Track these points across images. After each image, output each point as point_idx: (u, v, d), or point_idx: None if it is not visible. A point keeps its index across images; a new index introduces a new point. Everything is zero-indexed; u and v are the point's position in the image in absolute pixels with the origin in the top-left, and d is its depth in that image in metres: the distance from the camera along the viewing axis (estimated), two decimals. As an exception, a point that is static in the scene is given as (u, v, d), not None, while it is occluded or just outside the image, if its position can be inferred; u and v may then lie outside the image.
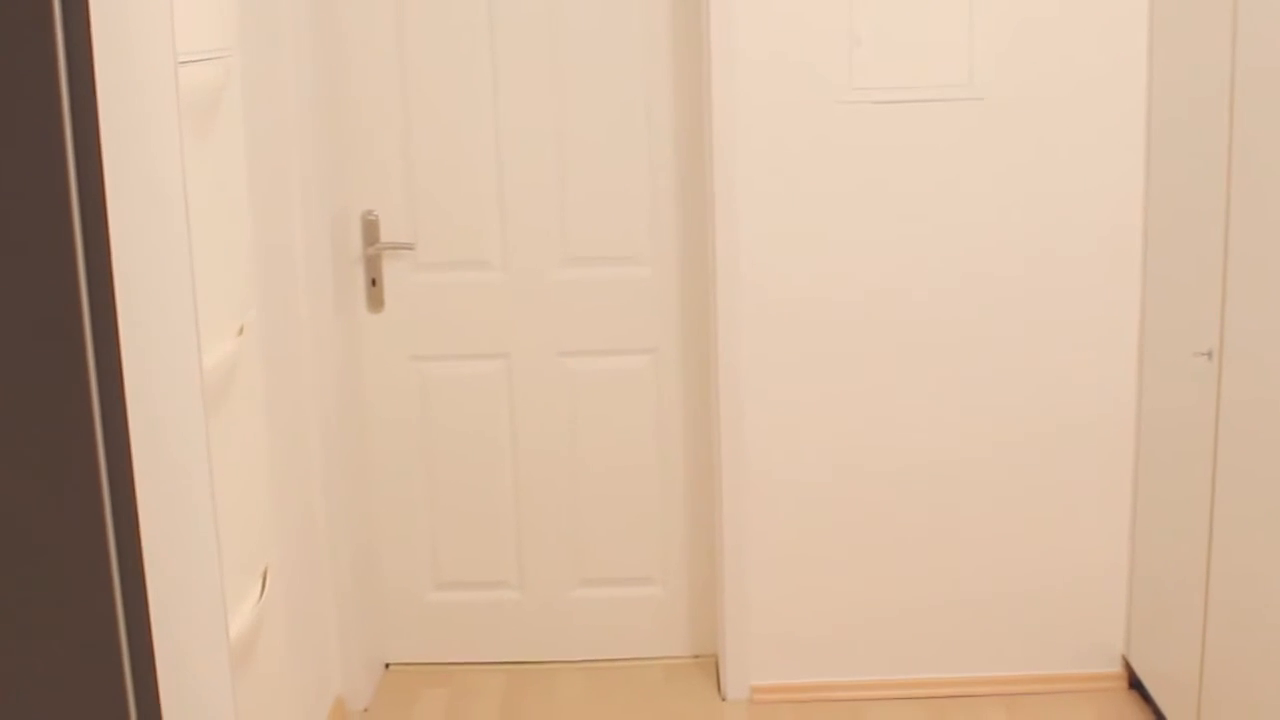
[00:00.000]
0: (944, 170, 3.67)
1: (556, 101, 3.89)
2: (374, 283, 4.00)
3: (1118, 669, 3.89)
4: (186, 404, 1.39)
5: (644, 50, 3.86)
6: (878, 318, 3.75)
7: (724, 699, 3.94)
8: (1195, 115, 3.32)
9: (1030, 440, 3.80)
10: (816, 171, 3.68)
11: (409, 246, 3.97)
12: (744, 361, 3.78)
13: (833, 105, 3.65)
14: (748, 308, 3.75)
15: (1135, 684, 3.85)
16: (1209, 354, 3.22)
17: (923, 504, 3.84)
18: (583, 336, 4.03)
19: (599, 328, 4.02)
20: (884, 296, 3.74)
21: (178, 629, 1.34)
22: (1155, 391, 3.65)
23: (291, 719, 3.41)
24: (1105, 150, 3.65)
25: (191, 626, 1.43)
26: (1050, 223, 3.69)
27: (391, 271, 4.00)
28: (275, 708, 2.79)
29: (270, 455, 3.24)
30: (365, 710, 3.96)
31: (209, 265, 2.43)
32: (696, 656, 4.15)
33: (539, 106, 3.90)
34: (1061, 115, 3.63)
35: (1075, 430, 3.79)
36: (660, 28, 3.84)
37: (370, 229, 3.97)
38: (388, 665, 4.21)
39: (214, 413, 2.46)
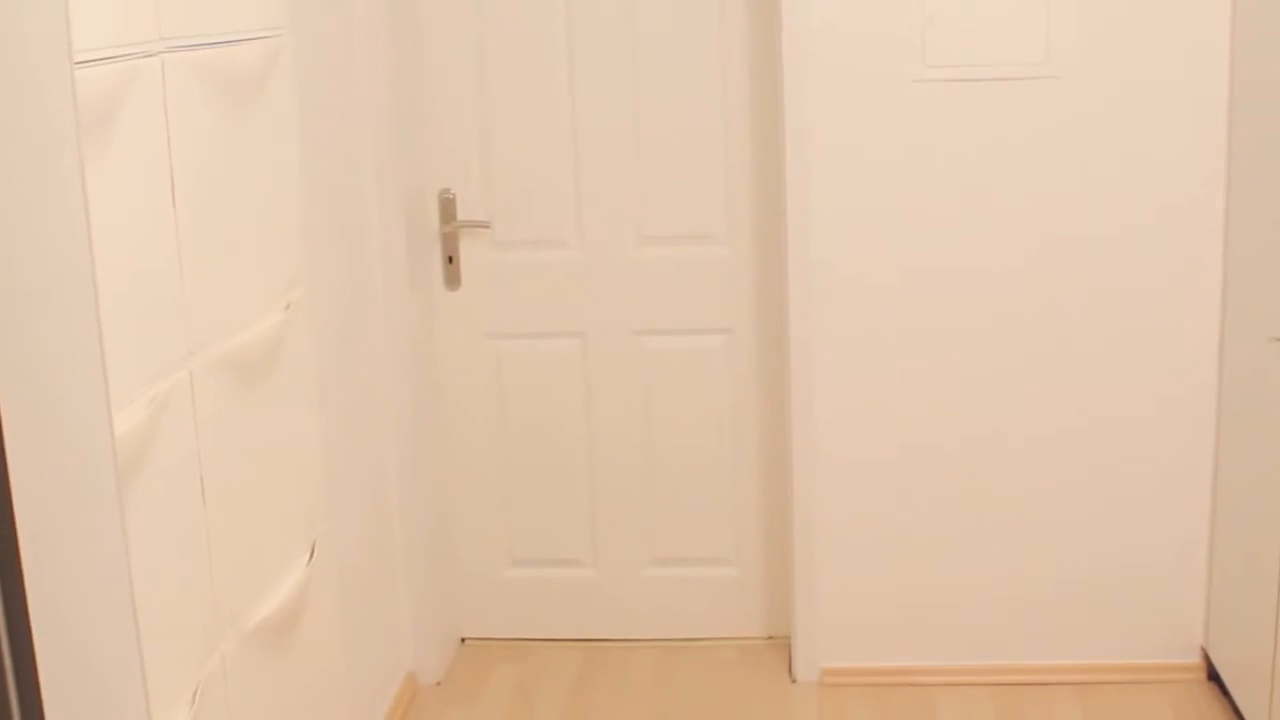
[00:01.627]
0: (1019, 150, 3.60)
1: (632, 80, 3.89)
2: (451, 260, 4.03)
3: (1196, 659, 3.81)
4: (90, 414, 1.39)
5: (720, 28, 3.83)
6: (952, 298, 3.70)
7: (794, 681, 3.92)
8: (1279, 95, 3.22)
9: (1107, 423, 3.73)
10: (890, 150, 3.64)
11: (485, 225, 4.00)
12: (815, 342, 3.75)
13: (906, 83, 3.60)
14: (819, 288, 3.72)
15: (1214, 675, 3.76)
16: (1283, 339, 3.14)
17: (997, 487, 3.78)
18: (658, 316, 4.02)
19: (674, 307, 4.01)
20: (958, 277, 3.69)
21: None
22: (1234, 375, 3.56)
23: (353, 690, 3.46)
24: (1185, 130, 3.56)
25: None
26: (1127, 203, 3.61)
27: (468, 249, 4.03)
28: (327, 678, 2.83)
29: (322, 430, 3.27)
30: (438, 684, 4.00)
31: (248, 242, 2.47)
32: (770, 638, 4.14)
33: (615, 85, 3.89)
34: (1140, 93, 3.55)
35: (1154, 414, 3.71)
36: (736, 5, 3.81)
37: (447, 207, 4.00)
38: (464, 640, 4.25)
39: (257, 386, 2.50)
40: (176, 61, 2.18)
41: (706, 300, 3.99)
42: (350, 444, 3.56)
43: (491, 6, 3.88)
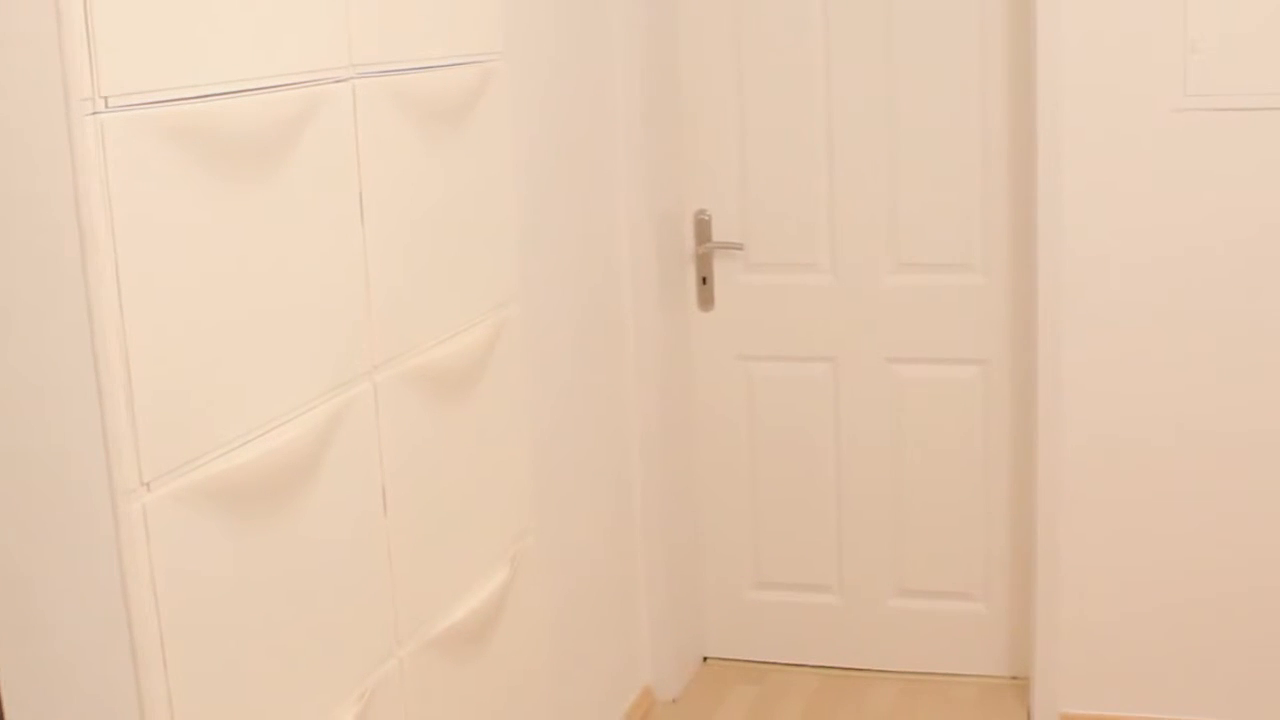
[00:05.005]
0: (1286, 183, 3.43)
1: (889, 105, 3.85)
2: (705, 281, 4.06)
3: None
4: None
5: (979, 55, 3.76)
6: (1211, 334, 3.54)
7: (1032, 724, 3.81)
8: None
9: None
10: (1148, 181, 3.51)
11: (739, 246, 4.02)
12: (1066, 376, 3.64)
13: (1166, 113, 3.46)
14: (1072, 321, 3.61)
15: None
16: None
17: (1258, 527, 3.59)
18: (911, 344, 3.97)
19: (928, 335, 3.95)
20: (1218, 313, 3.52)
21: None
22: None
23: (578, 699, 3.52)
24: None
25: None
26: (1403, 243, 3.39)
27: (722, 271, 4.06)
28: (528, 687, 2.89)
29: (551, 445, 3.35)
30: (674, 700, 4.03)
31: (450, 262, 2.55)
32: (1014, 678, 4.03)
33: (871, 110, 3.86)
34: None
35: None
36: (995, 32, 3.73)
37: (702, 228, 4.03)
38: (705, 659, 4.27)
39: (455, 401, 2.58)
40: (370, 86, 2.27)
41: (960, 330, 3.92)
42: (590, 460, 3.62)
43: (750, 31, 3.90)
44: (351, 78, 2.23)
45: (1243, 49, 3.37)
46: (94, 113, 1.70)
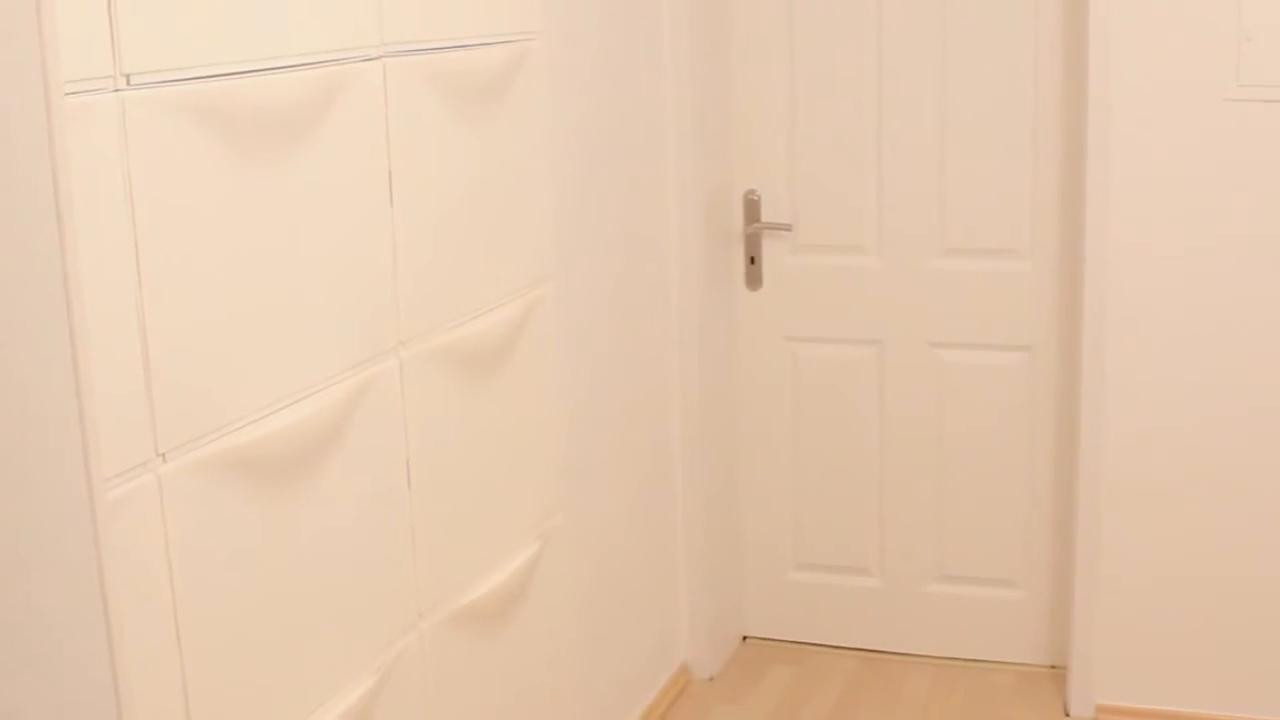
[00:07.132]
0: (1339, 176, 3.38)
1: (941, 90, 3.83)
2: (753, 261, 4.06)
3: None
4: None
5: (1031, 42, 3.73)
6: (1259, 325, 3.50)
7: (1067, 715, 3.79)
8: None
9: None
10: (1198, 171, 3.47)
11: (787, 227, 4.01)
12: (1111, 366, 3.61)
13: (1218, 102, 3.42)
14: (1117, 310, 3.58)
15: None
16: None
17: (1301, 534, 3.56)
18: (957, 329, 3.95)
19: (974, 321, 3.93)
20: (1269, 303, 3.48)
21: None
22: None
23: (611, 675, 3.54)
24: None
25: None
26: None
27: (770, 251, 4.05)
28: (558, 662, 2.91)
29: (587, 422, 3.36)
30: (710, 679, 4.05)
31: (482, 240, 2.56)
32: (1053, 667, 4.01)
33: (923, 94, 3.84)
34: None
35: None
36: (1048, 17, 3.70)
37: (751, 208, 4.03)
38: (745, 638, 4.28)
39: (486, 379, 2.60)
40: (401, 65, 2.29)
41: (1007, 316, 3.90)
42: (631, 438, 3.63)
43: (802, 12, 3.89)
44: (382, 56, 2.24)
45: (1298, 39, 3.33)
46: (116, 90, 1.72)
